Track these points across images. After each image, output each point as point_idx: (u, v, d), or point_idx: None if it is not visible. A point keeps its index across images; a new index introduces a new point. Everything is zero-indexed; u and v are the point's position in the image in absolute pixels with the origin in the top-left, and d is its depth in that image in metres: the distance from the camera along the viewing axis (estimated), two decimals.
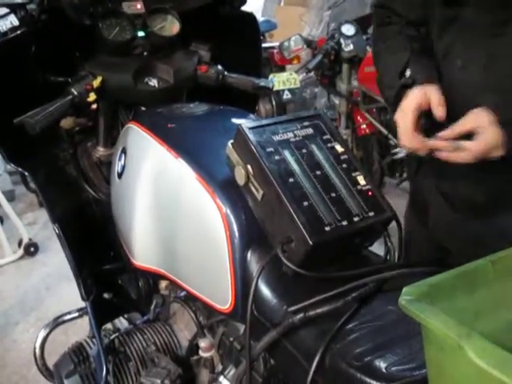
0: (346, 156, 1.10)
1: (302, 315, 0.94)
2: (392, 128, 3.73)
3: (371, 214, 1.04)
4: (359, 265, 1.04)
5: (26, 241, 3.64)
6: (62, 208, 1.58)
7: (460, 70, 1.24)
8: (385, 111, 3.82)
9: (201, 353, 1.41)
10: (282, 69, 4.86)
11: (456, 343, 0.58)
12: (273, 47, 4.75)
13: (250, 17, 1.83)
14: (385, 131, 3.77)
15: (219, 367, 1.40)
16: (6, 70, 1.41)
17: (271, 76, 4.50)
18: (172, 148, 1.29)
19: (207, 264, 1.19)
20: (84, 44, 1.59)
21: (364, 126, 4.00)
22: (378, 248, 1.14)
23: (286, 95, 4.85)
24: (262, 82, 1.72)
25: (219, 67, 1.70)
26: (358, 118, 4.02)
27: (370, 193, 1.06)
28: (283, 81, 4.70)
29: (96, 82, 1.50)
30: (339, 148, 1.11)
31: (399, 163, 3.90)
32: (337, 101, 4.18)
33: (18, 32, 1.42)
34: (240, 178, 1.08)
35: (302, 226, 0.96)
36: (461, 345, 0.57)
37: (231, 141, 1.11)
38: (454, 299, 0.69)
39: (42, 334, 1.79)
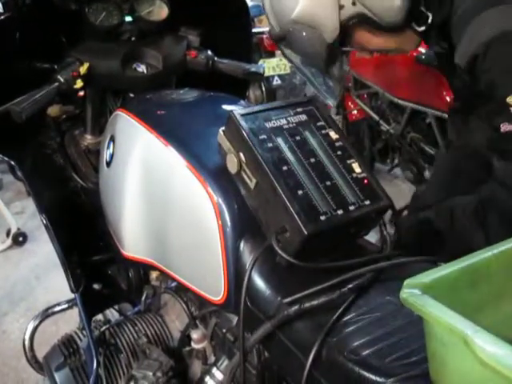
0: (340, 143, 1.07)
1: (297, 307, 0.91)
2: (383, 114, 3.71)
3: (367, 202, 1.01)
4: (355, 254, 1.01)
5: (14, 230, 3.61)
6: (49, 198, 1.55)
7: None
8: (376, 97, 3.79)
9: (193, 344, 1.39)
10: (271, 54, 4.82)
11: (462, 338, 0.56)
12: (262, 32, 4.70)
13: (240, 1, 1.79)
14: (376, 117, 3.75)
15: (212, 358, 1.38)
16: None
17: (261, 62, 4.46)
18: (162, 135, 1.25)
19: (199, 254, 1.16)
20: (70, 30, 1.55)
21: (355, 112, 3.97)
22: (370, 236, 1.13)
23: (276, 81, 4.82)
24: (253, 68, 1.69)
25: (209, 52, 1.67)
26: (349, 103, 3.99)
27: (365, 181, 1.04)
28: (273, 66, 4.67)
29: (83, 69, 1.47)
30: (334, 135, 1.08)
31: (390, 149, 3.88)
32: None
33: (2, 17, 1.38)
34: (232, 167, 1.05)
35: (296, 216, 0.93)
36: (467, 340, 0.55)
37: (222, 128, 1.07)
38: (457, 292, 0.66)
39: (32, 325, 1.76)
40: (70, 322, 2.30)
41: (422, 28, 1.36)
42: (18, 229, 3.64)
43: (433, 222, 1.34)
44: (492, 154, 1.27)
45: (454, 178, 1.56)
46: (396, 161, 3.89)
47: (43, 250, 3.49)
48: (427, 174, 3.41)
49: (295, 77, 5.00)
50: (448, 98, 2.94)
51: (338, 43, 1.39)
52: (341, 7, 1.32)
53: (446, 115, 2.99)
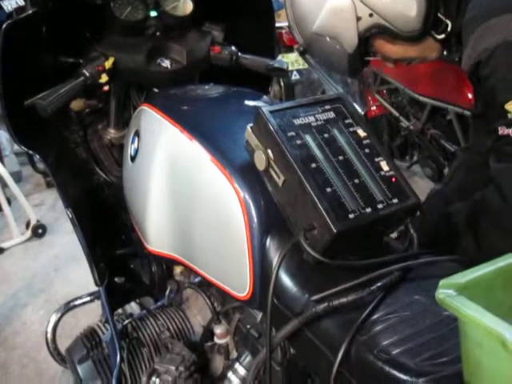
0: (368, 141, 1.07)
1: (325, 304, 0.91)
2: (403, 110, 3.69)
3: (395, 200, 1.00)
4: (382, 253, 1.01)
5: (33, 222, 3.64)
6: (73, 191, 1.55)
7: None
8: (396, 93, 3.77)
9: (216, 339, 1.40)
10: (290, 49, 4.80)
11: (500, 340, 0.55)
12: (281, 27, 4.68)
13: None
14: (396, 113, 3.73)
15: (234, 354, 1.39)
16: (17, 51, 1.38)
17: (280, 57, 4.45)
18: (187, 130, 1.26)
19: (224, 250, 1.16)
20: (95, 24, 1.55)
21: (374, 108, 3.96)
22: None
23: (295, 76, 4.80)
24: (277, 64, 1.68)
25: (233, 48, 1.67)
26: (369, 99, 3.98)
27: (393, 179, 1.03)
28: (292, 62, 4.66)
29: (108, 63, 1.47)
30: (361, 132, 1.08)
31: (410, 146, 3.86)
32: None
33: (30, 12, 1.39)
34: (260, 163, 1.05)
35: (325, 213, 0.93)
36: (505, 342, 0.55)
37: (250, 124, 1.07)
38: (491, 293, 0.66)
39: (54, 318, 1.77)
40: (88, 314, 2.31)
41: (442, 36, 1.37)
42: (38, 221, 3.66)
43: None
44: (490, 155, 1.28)
45: (468, 180, 1.58)
46: (415, 157, 3.87)
47: (62, 242, 3.52)
48: (447, 171, 3.40)
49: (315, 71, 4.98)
50: (470, 95, 2.92)
51: (361, 53, 1.41)
52: (358, 19, 1.34)
53: (467, 112, 2.97)
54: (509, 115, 1.19)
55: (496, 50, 1.21)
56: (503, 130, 1.20)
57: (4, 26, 1.33)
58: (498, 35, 1.21)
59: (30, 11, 1.39)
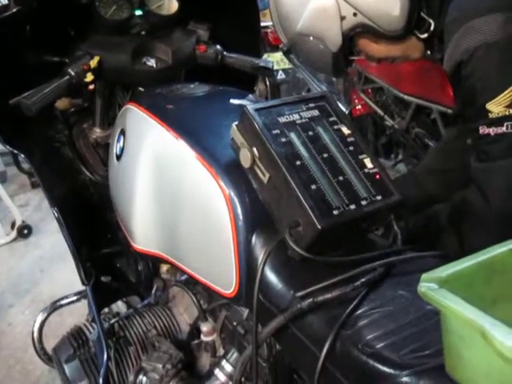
0: (352, 138, 1.08)
1: (310, 300, 0.92)
2: (388, 109, 3.71)
3: (379, 197, 1.02)
4: (366, 249, 1.02)
5: (19, 223, 3.60)
6: (59, 191, 1.55)
7: None
8: (380, 92, 3.79)
9: (202, 337, 1.40)
10: (275, 49, 4.80)
11: (480, 332, 0.57)
12: (266, 27, 4.68)
13: None
14: (381, 112, 3.74)
15: (221, 351, 1.39)
16: (1, 50, 1.38)
17: (265, 56, 4.45)
18: (173, 129, 1.26)
19: (210, 247, 1.17)
20: (80, 23, 1.55)
21: (359, 107, 3.97)
22: None
23: (280, 75, 4.81)
24: (262, 63, 1.70)
25: (218, 47, 1.67)
26: (354, 98, 3.99)
27: (377, 176, 1.04)
28: (277, 61, 4.66)
29: (93, 62, 1.47)
30: (346, 130, 1.09)
31: (395, 144, 3.88)
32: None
33: (14, 10, 1.38)
34: (245, 161, 1.05)
35: (309, 210, 0.94)
36: (485, 334, 0.56)
37: (236, 122, 1.08)
38: (472, 287, 0.67)
39: (40, 318, 1.77)
40: (74, 313, 2.30)
41: (425, 35, 1.39)
42: (23, 221, 3.63)
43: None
44: (472, 153, 1.30)
45: (438, 160, 1.63)
46: (400, 156, 3.89)
47: (47, 243, 3.49)
48: None
49: (299, 71, 4.99)
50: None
51: (345, 52, 1.42)
52: (342, 18, 1.36)
53: (450, 111, 2.99)
54: (490, 115, 1.21)
55: (476, 51, 1.23)
56: (484, 130, 1.22)
57: None
58: (479, 37, 1.23)
59: (14, 9, 1.38)
